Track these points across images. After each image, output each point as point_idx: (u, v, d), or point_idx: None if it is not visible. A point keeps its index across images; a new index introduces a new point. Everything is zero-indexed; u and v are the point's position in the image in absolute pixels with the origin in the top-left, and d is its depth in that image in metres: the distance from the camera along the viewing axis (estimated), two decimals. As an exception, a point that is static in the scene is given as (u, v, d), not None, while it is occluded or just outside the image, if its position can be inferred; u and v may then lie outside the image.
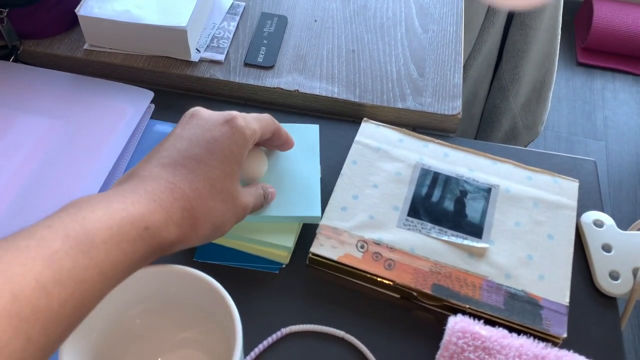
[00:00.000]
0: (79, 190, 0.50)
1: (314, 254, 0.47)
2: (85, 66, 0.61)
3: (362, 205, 0.50)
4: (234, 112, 0.41)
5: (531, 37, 0.93)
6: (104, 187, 0.51)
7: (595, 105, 1.87)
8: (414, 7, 0.67)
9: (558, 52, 0.98)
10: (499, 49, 0.98)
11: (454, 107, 0.58)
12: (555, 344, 0.44)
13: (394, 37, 0.64)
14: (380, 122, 0.56)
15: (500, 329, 0.44)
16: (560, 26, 0.95)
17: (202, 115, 0.41)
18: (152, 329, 0.40)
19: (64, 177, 0.50)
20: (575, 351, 0.44)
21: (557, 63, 1.00)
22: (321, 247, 0.47)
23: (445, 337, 0.43)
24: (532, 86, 1.01)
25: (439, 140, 0.55)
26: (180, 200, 0.35)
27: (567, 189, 0.52)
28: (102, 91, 0.57)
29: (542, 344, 0.43)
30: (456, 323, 0.43)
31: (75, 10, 0.58)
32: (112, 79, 0.59)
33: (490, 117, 1.06)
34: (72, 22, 0.62)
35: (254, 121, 0.42)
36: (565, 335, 0.44)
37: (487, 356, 0.42)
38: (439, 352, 0.43)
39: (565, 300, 0.45)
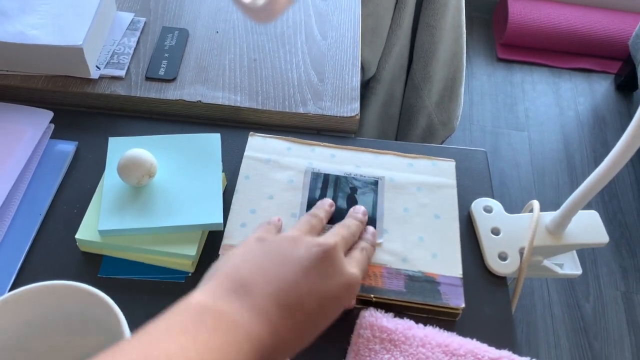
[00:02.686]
0: (-23, 215, 0.49)
1: None
2: (-18, 89, 0.60)
3: (261, 218, 0.51)
4: (353, 277, 0.41)
5: (437, 38, 0.97)
6: (2, 210, 0.50)
7: (516, 98, 1.95)
8: (313, 15, 0.69)
9: (465, 50, 1.03)
10: (409, 50, 1.02)
11: (352, 109, 0.60)
12: (455, 316, 0.47)
13: (294, 44, 0.66)
14: (283, 127, 0.58)
15: (406, 320, 0.46)
16: (464, 26, 1.00)
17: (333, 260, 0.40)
18: (52, 347, 0.40)
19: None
20: (469, 328, 0.47)
21: (465, 60, 1.04)
22: None
23: (354, 332, 0.45)
24: (444, 84, 1.05)
25: (324, 143, 0.57)
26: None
27: (445, 170, 0.55)
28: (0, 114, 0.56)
29: (446, 333, 0.45)
30: (364, 318, 0.46)
31: (-33, 34, 0.57)
32: (12, 101, 0.58)
33: (407, 116, 1.10)
34: (-35, 45, 0.61)
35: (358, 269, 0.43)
36: (463, 305, 0.47)
37: (393, 347, 0.44)
38: (349, 347, 0.45)
39: (459, 272, 0.48)
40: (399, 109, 1.11)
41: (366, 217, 0.50)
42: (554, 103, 1.95)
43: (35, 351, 0.39)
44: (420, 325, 0.46)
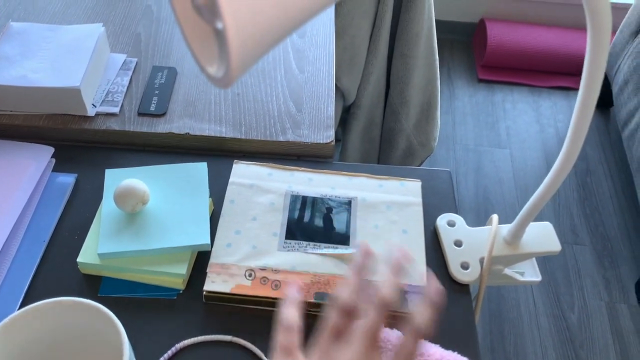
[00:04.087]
0: (-13, 244, 0.54)
1: (208, 292, 0.53)
2: (-12, 129, 0.65)
3: (245, 238, 0.56)
4: None
5: (412, 65, 1.04)
6: (10, 238, 0.55)
7: (498, 117, 2.02)
8: (291, 51, 0.75)
9: (438, 75, 1.09)
10: (386, 77, 1.09)
11: (327, 136, 0.66)
12: None
13: (274, 78, 0.72)
14: (265, 153, 0.64)
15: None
16: (436, 53, 1.07)
17: None
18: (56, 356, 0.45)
19: (-28, 232, 0.55)
20: (436, 331, 0.52)
21: (439, 85, 1.11)
22: (213, 284, 0.53)
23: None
24: (420, 108, 1.11)
25: (302, 168, 0.63)
26: None
27: (412, 189, 0.61)
28: (3, 150, 0.62)
29: (400, 333, 0.50)
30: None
31: (-26, 79, 0.63)
32: (15, 139, 0.64)
33: (388, 138, 1.16)
34: (-28, 89, 0.66)
35: None
36: None
37: None
38: None
39: (424, 281, 0.54)
40: (380, 132, 1.17)
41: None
42: (534, 120, 2.02)
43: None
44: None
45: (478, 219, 1.67)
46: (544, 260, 1.62)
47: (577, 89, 2.12)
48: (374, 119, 1.13)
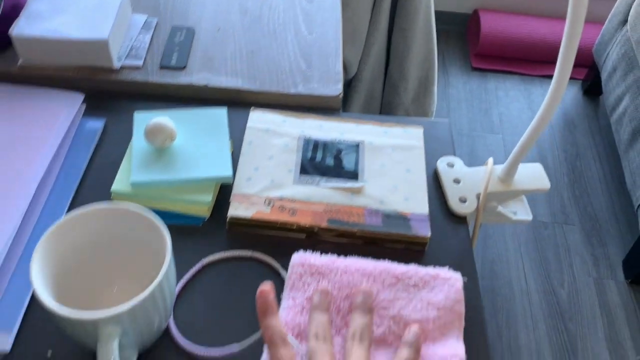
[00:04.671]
0: (22, 175, 0.59)
1: (232, 217, 0.59)
2: (20, 80, 0.70)
3: (263, 174, 0.62)
4: None
5: (410, 40, 1.09)
6: (46, 175, 0.60)
7: (491, 104, 2.09)
8: (300, 15, 0.81)
9: (436, 51, 1.15)
10: (386, 52, 1.14)
11: (336, 89, 0.72)
12: (424, 246, 0.58)
13: (285, 39, 0.77)
14: (278, 106, 0.69)
15: (330, 255, 0.54)
16: (434, 30, 1.12)
17: None
18: (110, 265, 0.49)
19: (9, 167, 0.60)
20: (437, 257, 0.58)
21: (436, 61, 1.17)
22: (236, 210, 0.59)
23: (289, 270, 0.53)
24: (418, 82, 1.17)
25: (313, 115, 0.68)
26: None
27: (414, 135, 0.67)
28: (38, 96, 0.67)
29: (363, 260, 0.54)
30: (296, 259, 0.54)
31: (9, 32, 0.68)
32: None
33: (387, 112, 1.22)
34: (6, 42, 0.71)
35: None
36: (429, 234, 0.58)
37: (321, 277, 0.53)
38: (285, 282, 0.53)
39: (425, 210, 0.59)
40: (379, 106, 1.23)
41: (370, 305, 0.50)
42: (526, 107, 2.09)
43: (98, 265, 0.49)
44: (342, 257, 0.54)
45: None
46: (536, 240, 1.68)
47: (567, 78, 2.19)
48: (374, 93, 1.19)
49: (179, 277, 0.55)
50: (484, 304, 1.54)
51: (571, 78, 2.19)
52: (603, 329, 1.51)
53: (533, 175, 0.64)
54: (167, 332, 0.51)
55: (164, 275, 0.42)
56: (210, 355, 0.50)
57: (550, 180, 1.84)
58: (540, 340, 1.48)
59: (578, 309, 1.55)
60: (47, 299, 0.41)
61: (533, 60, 2.21)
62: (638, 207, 1.53)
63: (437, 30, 2.37)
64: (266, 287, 0.44)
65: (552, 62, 2.21)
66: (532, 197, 1.78)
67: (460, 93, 2.12)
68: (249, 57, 0.74)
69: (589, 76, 2.10)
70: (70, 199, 0.60)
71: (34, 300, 0.52)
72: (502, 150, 1.92)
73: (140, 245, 0.48)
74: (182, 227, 0.59)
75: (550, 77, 2.18)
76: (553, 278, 1.61)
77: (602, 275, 1.63)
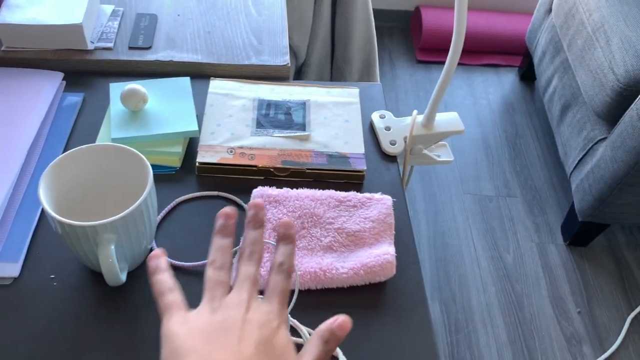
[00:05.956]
0: (14, 140, 0.68)
1: (200, 162, 0.69)
2: (4, 64, 0.79)
3: (225, 129, 0.72)
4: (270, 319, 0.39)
5: (351, 26, 1.22)
6: (33, 145, 0.70)
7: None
8: (249, 0, 0.92)
9: (375, 36, 1.28)
10: (331, 38, 1.27)
11: (283, 60, 0.83)
12: (361, 179, 0.69)
13: (237, 20, 0.88)
14: (234, 76, 0.80)
15: (285, 188, 0.66)
16: (372, 15, 1.25)
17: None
18: (103, 196, 0.59)
19: (2, 135, 0.69)
20: (373, 189, 0.70)
21: (376, 45, 1.30)
22: (203, 158, 0.69)
23: (251, 200, 0.64)
24: (361, 64, 1.30)
25: (265, 82, 0.79)
26: None
27: (352, 93, 0.79)
28: (23, 76, 0.76)
29: (312, 190, 0.66)
30: (256, 191, 0.66)
31: (-8, 21, 0.77)
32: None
33: (336, 93, 1.34)
34: (-12, 32, 0.80)
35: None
36: (365, 168, 0.70)
37: (276, 203, 0.65)
38: (247, 211, 0.64)
39: (362, 150, 0.71)
40: (329, 89, 1.35)
41: (262, 230, 0.44)
42: (469, 94, 2.25)
43: (94, 196, 0.59)
44: (294, 189, 0.66)
45: (422, 182, 1.88)
46: (482, 212, 1.83)
47: (505, 66, 2.37)
48: (322, 77, 1.31)
49: (158, 212, 0.65)
50: (437, 271, 1.67)
51: (508, 65, 2.37)
52: (546, 288, 1.66)
53: (450, 122, 0.77)
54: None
55: (148, 193, 0.53)
56: (193, 266, 0.60)
57: (493, 157, 2.00)
58: (491, 301, 1.62)
59: (523, 271, 1.69)
60: (56, 215, 0.51)
61: (473, 51, 2.37)
62: (570, 174, 1.69)
63: (382, 27, 2.52)
64: (157, 252, 0.43)
65: (490, 52, 2.39)
66: (477, 174, 1.93)
67: (407, 84, 2.26)
68: (207, 37, 0.85)
69: (524, 63, 2.28)
70: (58, 158, 0.70)
71: (35, 237, 0.62)
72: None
73: (126, 178, 0.58)
74: (158, 176, 0.69)
75: (489, 65, 2.36)
76: (499, 245, 1.76)
77: (544, 240, 1.78)
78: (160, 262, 0.42)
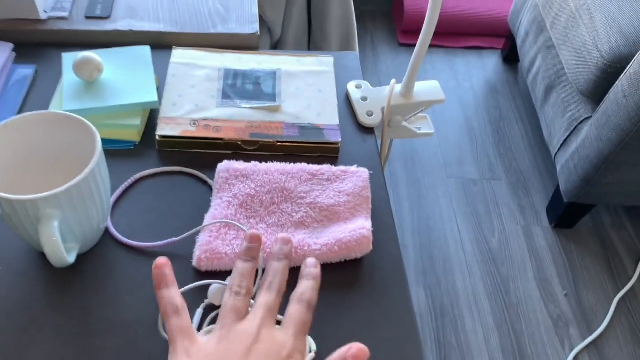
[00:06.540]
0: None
1: (160, 136, 0.64)
2: (-51, 36, 0.73)
3: (187, 100, 0.67)
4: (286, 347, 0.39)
5: (328, 2, 1.17)
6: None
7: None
8: (217, -32, 0.87)
9: (354, 12, 1.23)
10: (308, 14, 1.22)
11: (252, 28, 0.78)
12: (336, 152, 0.65)
13: (204, -11, 0.83)
14: (199, 46, 0.75)
15: (253, 162, 0.61)
16: (349, -10, 1.20)
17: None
18: (48, 167, 0.54)
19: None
20: (349, 163, 0.65)
21: (355, 21, 1.25)
22: (163, 130, 0.64)
23: (215, 176, 0.60)
24: (340, 41, 1.25)
25: (231, 51, 0.74)
26: None
27: (325, 62, 0.74)
28: (-32, 47, 0.70)
29: (282, 163, 0.61)
30: (222, 165, 0.61)
31: None
32: (-25, 43, 0.72)
33: (313, 73, 1.29)
34: None
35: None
36: (339, 140, 0.65)
37: (245, 179, 0.60)
38: (213, 186, 0.60)
39: (336, 122, 0.66)
40: (306, 68, 1.29)
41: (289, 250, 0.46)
42: (452, 77, 2.21)
43: (37, 171, 0.53)
44: (264, 163, 0.62)
45: (405, 167, 1.83)
46: (467, 196, 1.80)
47: (487, 48, 2.34)
48: (299, 54, 1.26)
49: (114, 190, 0.60)
50: (422, 255, 1.64)
51: (491, 48, 2.33)
52: (532, 270, 1.63)
53: (430, 91, 0.73)
54: (108, 235, 0.56)
55: (96, 163, 0.48)
56: (152, 246, 0.55)
57: (477, 141, 1.96)
58: (476, 285, 1.59)
59: (509, 255, 1.66)
60: (-10, 189, 0.45)
61: (455, 34, 2.33)
62: (555, 155, 1.66)
63: (364, 11, 2.47)
64: (162, 260, 0.43)
65: (473, 34, 2.35)
66: (461, 157, 1.90)
67: (389, 68, 2.22)
68: (170, 5, 0.80)
69: (507, 45, 2.25)
70: (6, 134, 0.64)
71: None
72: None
73: (74, 151, 0.53)
74: (116, 151, 0.64)
75: (471, 48, 2.32)
76: (484, 229, 1.73)
77: (529, 222, 1.75)
78: (165, 273, 0.42)
